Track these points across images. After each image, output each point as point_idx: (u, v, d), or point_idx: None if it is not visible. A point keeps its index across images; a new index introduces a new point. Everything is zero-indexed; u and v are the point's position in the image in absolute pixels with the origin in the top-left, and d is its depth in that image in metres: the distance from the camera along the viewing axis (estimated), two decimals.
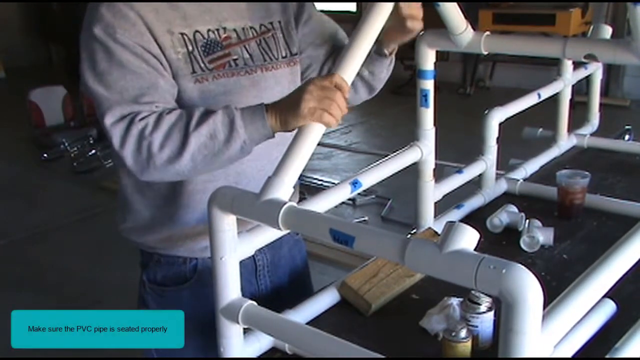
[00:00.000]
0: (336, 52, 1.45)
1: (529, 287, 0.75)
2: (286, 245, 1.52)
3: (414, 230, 1.62)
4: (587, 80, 2.20)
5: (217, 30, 1.30)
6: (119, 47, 1.20)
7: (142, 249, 1.45)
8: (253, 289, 1.45)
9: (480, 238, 0.83)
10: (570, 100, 2.06)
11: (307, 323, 1.26)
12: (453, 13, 1.36)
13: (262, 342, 1.19)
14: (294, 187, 1.11)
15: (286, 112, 1.16)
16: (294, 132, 1.15)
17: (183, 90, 1.27)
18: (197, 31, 1.28)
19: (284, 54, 1.40)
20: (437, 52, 1.48)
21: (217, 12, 1.31)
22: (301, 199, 1.39)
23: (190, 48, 1.26)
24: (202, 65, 1.27)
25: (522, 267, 0.76)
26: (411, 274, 1.40)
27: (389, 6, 1.13)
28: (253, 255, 1.22)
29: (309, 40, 1.47)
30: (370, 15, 1.17)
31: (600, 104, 2.29)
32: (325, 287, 1.40)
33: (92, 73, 1.21)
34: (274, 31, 1.39)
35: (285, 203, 1.00)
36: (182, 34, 1.26)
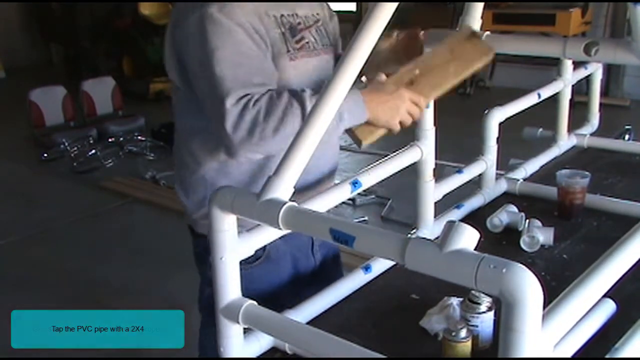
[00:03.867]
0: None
1: (529, 287, 0.75)
2: None
3: (414, 230, 1.62)
4: (587, 80, 2.20)
5: (293, 15, 1.44)
6: (235, 26, 1.29)
7: None
8: (311, 264, 1.59)
9: (480, 238, 0.83)
10: (570, 100, 2.05)
11: (307, 323, 1.25)
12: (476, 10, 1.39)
13: (262, 342, 1.19)
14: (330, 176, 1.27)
15: (382, 114, 1.36)
16: None
17: (282, 69, 1.38)
18: (282, 15, 1.41)
19: (328, 42, 1.54)
20: None
21: (290, 1, 1.45)
22: None
23: (282, 29, 1.40)
24: (292, 45, 1.41)
25: (522, 266, 0.75)
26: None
27: (391, 6, 1.13)
28: None
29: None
30: (371, 16, 1.17)
31: (600, 104, 2.29)
32: (325, 287, 1.40)
33: (205, 52, 1.29)
34: (321, 20, 1.53)
35: (285, 203, 1.00)
36: (274, 16, 1.39)
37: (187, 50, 1.34)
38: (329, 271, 1.65)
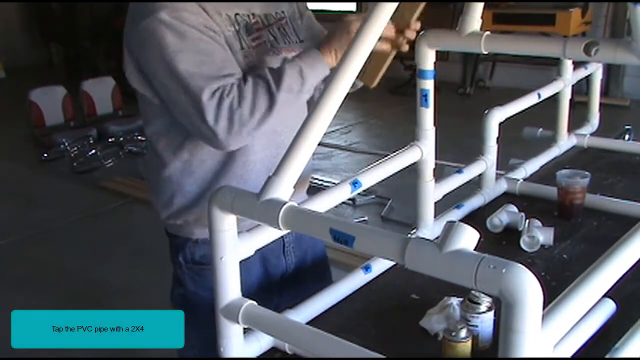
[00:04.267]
0: None
1: (528, 287, 0.75)
2: None
3: (414, 230, 1.62)
4: (587, 80, 2.20)
5: (248, 15, 1.46)
6: (189, 27, 1.32)
7: (179, 234, 1.54)
8: (282, 266, 1.58)
9: (480, 238, 0.83)
10: (570, 100, 2.05)
11: (307, 323, 1.26)
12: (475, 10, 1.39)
13: (262, 342, 1.19)
14: (304, 176, 1.23)
15: (336, 43, 1.38)
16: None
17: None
18: (236, 14, 1.43)
19: (295, 40, 1.55)
20: (437, 52, 1.48)
21: (245, 1, 1.47)
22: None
23: (236, 27, 1.42)
24: (247, 43, 1.43)
25: (522, 266, 0.76)
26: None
27: (392, 6, 1.13)
28: None
29: (306, 33, 1.62)
30: (371, 16, 1.17)
31: (600, 104, 2.29)
32: (325, 287, 1.40)
33: (166, 58, 1.31)
34: (286, 19, 1.55)
35: (285, 203, 1.00)
36: (227, 15, 1.41)
37: (144, 56, 1.35)
38: (305, 274, 1.63)
